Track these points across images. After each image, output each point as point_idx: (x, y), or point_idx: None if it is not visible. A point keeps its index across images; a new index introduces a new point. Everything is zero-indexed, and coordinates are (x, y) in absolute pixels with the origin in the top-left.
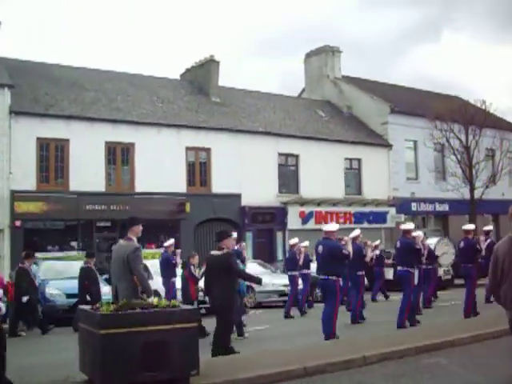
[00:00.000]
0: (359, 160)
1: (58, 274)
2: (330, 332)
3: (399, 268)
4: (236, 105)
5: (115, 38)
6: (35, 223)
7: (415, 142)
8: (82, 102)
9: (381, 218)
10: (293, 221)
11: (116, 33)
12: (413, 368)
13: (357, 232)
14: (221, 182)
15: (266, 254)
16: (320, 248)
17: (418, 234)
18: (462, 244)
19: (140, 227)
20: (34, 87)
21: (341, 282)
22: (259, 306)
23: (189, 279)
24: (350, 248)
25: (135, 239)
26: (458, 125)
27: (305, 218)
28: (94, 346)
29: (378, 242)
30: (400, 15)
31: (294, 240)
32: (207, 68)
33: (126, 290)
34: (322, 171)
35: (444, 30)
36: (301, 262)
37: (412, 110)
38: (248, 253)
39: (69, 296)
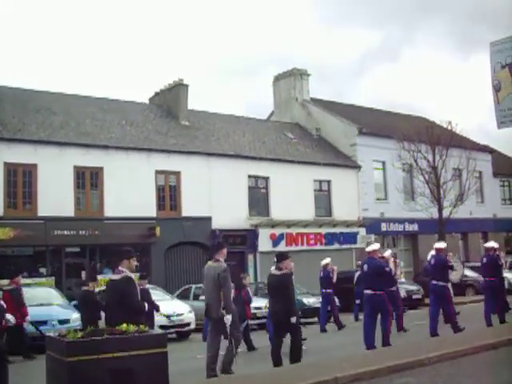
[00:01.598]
0: (329, 181)
1: (26, 301)
2: (371, 343)
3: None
4: (206, 128)
5: (82, 61)
6: (3, 249)
7: (383, 163)
8: (49, 127)
9: (351, 238)
10: (264, 243)
11: (83, 56)
12: None
13: (327, 260)
14: (191, 206)
15: (237, 277)
16: (365, 266)
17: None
18: (484, 260)
19: (226, 250)
20: (0, 111)
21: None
22: None
23: (245, 300)
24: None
25: (223, 260)
26: (425, 145)
27: (275, 240)
28: (60, 374)
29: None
30: (362, 36)
31: (327, 260)
32: (176, 91)
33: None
34: (292, 193)
35: (404, 50)
36: (334, 279)
37: (379, 131)
38: None
39: (36, 323)
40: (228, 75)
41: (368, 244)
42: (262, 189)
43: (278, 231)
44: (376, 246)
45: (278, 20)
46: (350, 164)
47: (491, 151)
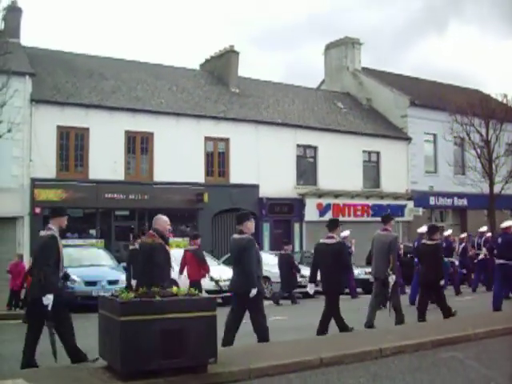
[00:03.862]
0: (378, 153)
1: (77, 262)
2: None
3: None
4: (255, 96)
5: (133, 27)
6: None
7: (435, 136)
8: (101, 91)
9: (399, 211)
10: (310, 213)
11: (134, 23)
12: (429, 362)
13: (346, 233)
14: (239, 173)
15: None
16: (499, 239)
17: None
18: (499, 240)
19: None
20: (54, 76)
21: None
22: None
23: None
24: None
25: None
26: (479, 119)
27: (322, 211)
28: (113, 333)
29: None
30: (405, 5)
31: (346, 233)
32: (227, 59)
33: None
34: (341, 163)
35: (450, 22)
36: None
37: (432, 103)
38: (265, 243)
39: (87, 284)
40: (276, 43)
41: (415, 216)
42: (310, 158)
43: (324, 201)
44: (510, 222)
45: None
46: (401, 136)
47: None
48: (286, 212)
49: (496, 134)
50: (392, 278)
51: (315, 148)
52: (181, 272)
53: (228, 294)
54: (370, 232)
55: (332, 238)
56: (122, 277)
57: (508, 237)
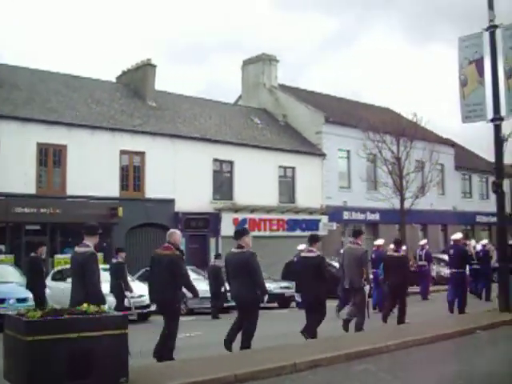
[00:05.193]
0: (293, 168)
1: None
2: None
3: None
4: (172, 110)
5: (49, 37)
6: None
7: (348, 152)
8: (13, 102)
9: (313, 225)
10: (226, 227)
11: (50, 32)
12: (342, 375)
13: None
14: (155, 187)
15: (198, 260)
16: (451, 251)
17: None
18: (451, 251)
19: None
20: None
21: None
22: (191, 312)
23: None
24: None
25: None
26: (390, 136)
27: (238, 225)
28: (18, 354)
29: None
30: (319, 23)
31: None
32: (144, 71)
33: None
34: (257, 178)
35: (360, 39)
36: None
37: (346, 120)
38: None
39: None
40: (194, 58)
41: (329, 231)
42: (227, 173)
43: (240, 216)
44: (460, 234)
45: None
46: (315, 152)
47: (453, 145)
48: (201, 227)
49: (406, 151)
50: (367, 288)
51: (231, 163)
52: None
53: (141, 311)
54: (286, 246)
55: (312, 251)
56: (31, 294)
57: (459, 247)
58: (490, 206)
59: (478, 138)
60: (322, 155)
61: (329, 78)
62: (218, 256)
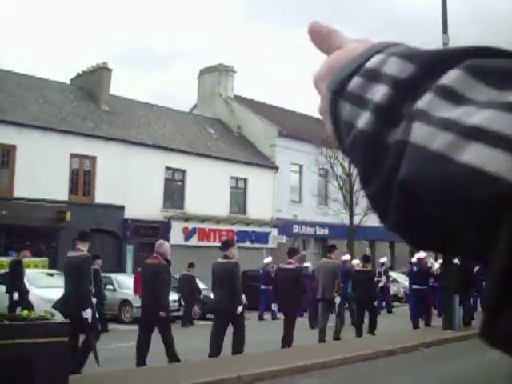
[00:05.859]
0: (245, 180)
1: None
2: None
3: None
4: (126, 115)
5: (5, 34)
6: None
7: (301, 166)
8: None
9: (263, 238)
10: (176, 236)
11: (3, 29)
12: None
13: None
14: (105, 193)
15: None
16: (415, 268)
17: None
18: (415, 268)
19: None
20: None
21: None
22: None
23: None
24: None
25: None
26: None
27: (188, 235)
28: None
29: None
30: (271, 36)
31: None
32: (99, 75)
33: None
34: (208, 188)
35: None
36: None
37: (299, 134)
38: (128, 265)
39: None
40: (150, 64)
41: (279, 244)
42: (179, 181)
43: (190, 225)
44: (423, 253)
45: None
46: (268, 164)
47: None
48: (150, 235)
49: None
50: (337, 299)
51: (184, 171)
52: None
53: None
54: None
55: (290, 263)
56: None
57: (421, 265)
58: None
59: None
60: (275, 168)
61: (283, 91)
62: (191, 265)
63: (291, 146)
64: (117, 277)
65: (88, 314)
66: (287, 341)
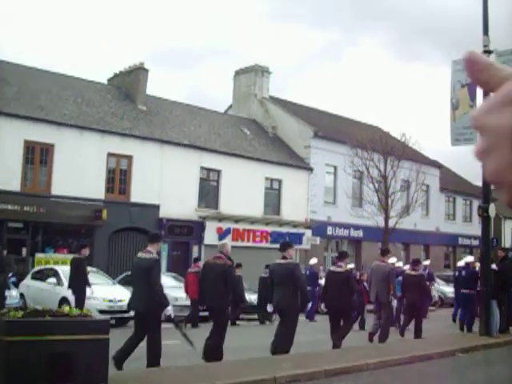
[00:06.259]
0: (280, 181)
1: None
2: None
3: None
4: (162, 115)
5: (43, 35)
6: None
7: (335, 168)
8: (2, 97)
9: (297, 239)
10: (210, 236)
11: (44, 30)
12: None
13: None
14: (140, 192)
15: (180, 267)
16: (463, 272)
17: None
18: (463, 273)
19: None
20: None
21: None
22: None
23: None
24: None
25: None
26: (378, 154)
27: (222, 234)
28: None
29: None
30: (304, 36)
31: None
32: (136, 75)
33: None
34: (243, 189)
35: (346, 53)
36: None
37: (334, 135)
38: (163, 265)
39: None
40: (185, 64)
41: (312, 245)
42: (213, 181)
43: (225, 225)
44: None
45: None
46: (303, 165)
47: (440, 166)
48: (185, 234)
49: (393, 170)
50: (394, 302)
51: (219, 172)
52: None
53: (121, 315)
54: (268, 258)
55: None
56: (11, 293)
57: (470, 270)
58: (473, 228)
59: (463, 161)
60: (310, 169)
61: (315, 91)
62: (238, 265)
63: (326, 148)
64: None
65: (169, 310)
66: (340, 340)
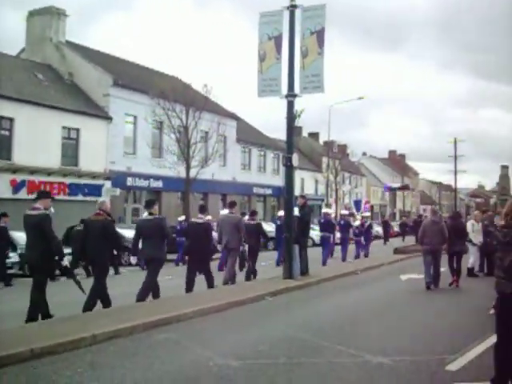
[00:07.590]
0: (78, 130)
1: None
2: None
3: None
4: None
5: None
6: None
7: (135, 117)
8: None
9: (96, 190)
10: (2, 189)
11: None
12: (145, 345)
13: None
14: None
15: None
16: (322, 220)
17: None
18: (322, 220)
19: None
20: None
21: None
22: None
23: None
24: None
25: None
26: (180, 105)
27: (16, 187)
28: None
29: None
30: None
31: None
32: None
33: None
34: (38, 138)
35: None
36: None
37: (135, 84)
38: None
39: None
40: None
41: (112, 197)
42: (5, 130)
43: (19, 177)
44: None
45: None
46: (101, 114)
47: (237, 118)
48: None
49: (195, 121)
50: (246, 247)
51: (11, 120)
52: None
53: None
54: (67, 211)
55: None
56: None
57: (326, 218)
58: (266, 178)
59: (257, 114)
60: (109, 118)
61: (117, 40)
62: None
63: (126, 97)
64: None
65: (65, 261)
66: (211, 283)
